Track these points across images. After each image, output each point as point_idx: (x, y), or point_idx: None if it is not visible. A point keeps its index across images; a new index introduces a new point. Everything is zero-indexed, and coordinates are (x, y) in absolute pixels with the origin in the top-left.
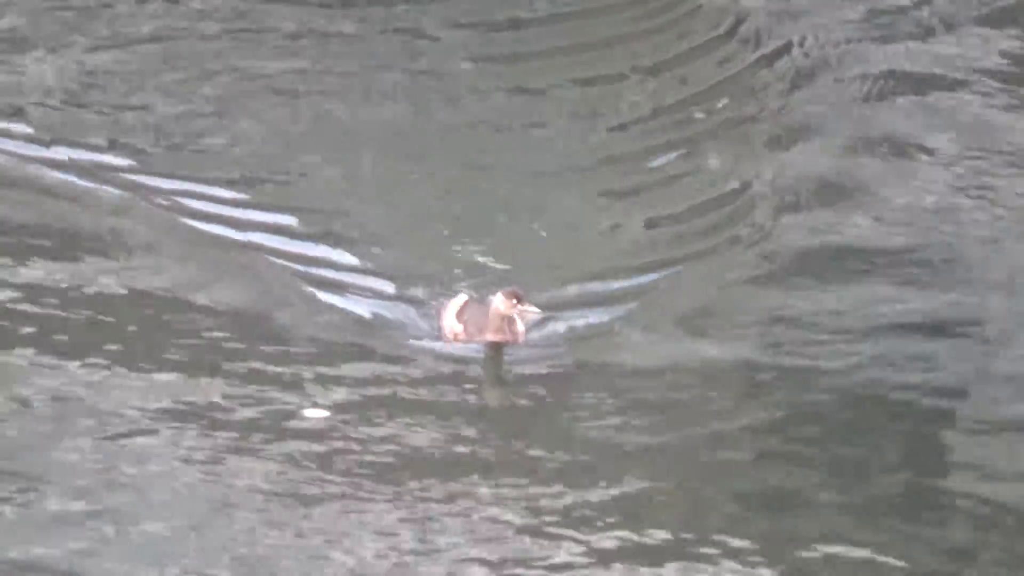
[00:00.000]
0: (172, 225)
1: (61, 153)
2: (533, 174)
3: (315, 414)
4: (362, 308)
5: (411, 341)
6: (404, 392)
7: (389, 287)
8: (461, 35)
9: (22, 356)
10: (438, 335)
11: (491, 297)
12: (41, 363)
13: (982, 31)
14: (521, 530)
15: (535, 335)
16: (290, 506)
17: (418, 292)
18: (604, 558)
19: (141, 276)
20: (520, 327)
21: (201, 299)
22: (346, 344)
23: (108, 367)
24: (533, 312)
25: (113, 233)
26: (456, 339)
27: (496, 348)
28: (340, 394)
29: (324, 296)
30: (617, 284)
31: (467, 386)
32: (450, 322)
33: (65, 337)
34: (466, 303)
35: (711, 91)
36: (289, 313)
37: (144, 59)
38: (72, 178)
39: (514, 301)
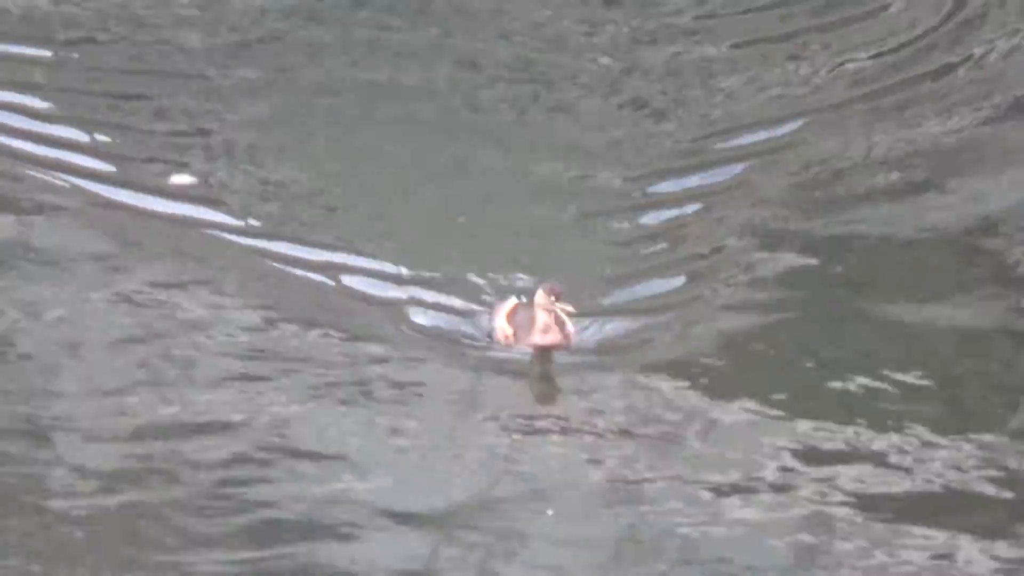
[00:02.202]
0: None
1: None
2: None
3: (181, 180)
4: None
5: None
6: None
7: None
8: None
9: None
10: (490, 339)
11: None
12: None
13: None
14: None
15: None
16: None
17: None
18: None
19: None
20: (570, 329)
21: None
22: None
23: None
24: (568, 310)
25: None
26: (507, 342)
27: (545, 353)
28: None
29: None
30: None
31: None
32: (501, 324)
33: None
34: (516, 306)
35: None
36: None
37: None
38: None
39: (552, 297)
